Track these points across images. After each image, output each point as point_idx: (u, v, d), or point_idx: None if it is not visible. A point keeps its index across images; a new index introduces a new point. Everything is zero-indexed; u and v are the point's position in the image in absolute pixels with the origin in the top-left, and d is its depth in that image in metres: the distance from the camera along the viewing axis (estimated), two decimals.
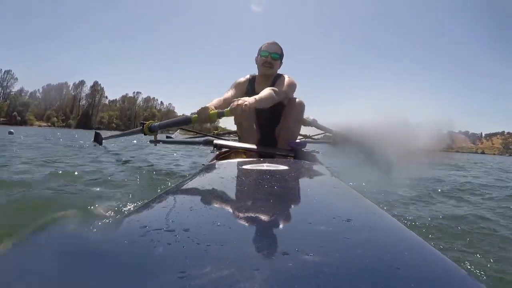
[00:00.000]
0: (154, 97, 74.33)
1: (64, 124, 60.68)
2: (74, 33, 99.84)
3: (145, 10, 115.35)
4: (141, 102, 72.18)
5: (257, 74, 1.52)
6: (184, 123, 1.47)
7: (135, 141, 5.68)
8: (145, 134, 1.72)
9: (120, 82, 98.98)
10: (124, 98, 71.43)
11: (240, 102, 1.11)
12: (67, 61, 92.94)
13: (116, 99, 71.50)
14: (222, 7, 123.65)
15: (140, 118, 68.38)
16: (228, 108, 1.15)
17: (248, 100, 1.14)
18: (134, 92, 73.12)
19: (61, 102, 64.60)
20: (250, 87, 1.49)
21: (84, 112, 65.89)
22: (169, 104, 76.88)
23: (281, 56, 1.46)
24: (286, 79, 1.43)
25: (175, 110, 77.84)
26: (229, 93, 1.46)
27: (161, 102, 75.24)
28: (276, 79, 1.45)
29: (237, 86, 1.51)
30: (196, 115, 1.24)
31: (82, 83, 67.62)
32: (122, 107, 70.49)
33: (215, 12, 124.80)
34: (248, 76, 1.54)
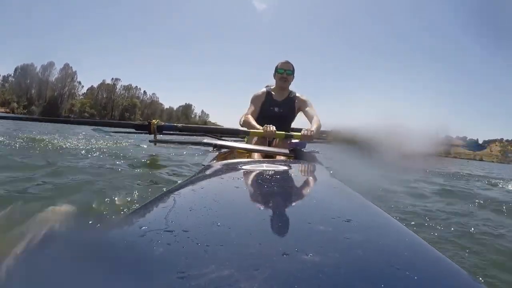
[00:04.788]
0: (136, 86, 72.01)
1: (25, 111, 57.05)
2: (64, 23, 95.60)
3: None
4: (121, 90, 69.73)
5: (272, 86, 1.96)
6: (234, 133, 1.65)
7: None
8: (150, 134, 1.66)
9: (99, 70, 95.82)
10: (101, 85, 68.57)
11: (307, 132, 1.51)
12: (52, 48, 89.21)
13: (92, 86, 68.67)
14: (220, 2, 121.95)
15: (119, 108, 66.27)
16: (301, 133, 1.50)
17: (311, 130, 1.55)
18: (112, 79, 70.44)
19: (26, 86, 61.13)
20: (268, 98, 1.89)
21: (51, 99, 62.11)
22: (153, 94, 74.93)
23: (293, 71, 1.91)
24: (308, 100, 1.87)
25: (160, 101, 76.09)
26: (252, 108, 1.85)
27: (144, 92, 73.00)
28: (292, 95, 1.91)
29: (256, 99, 1.88)
30: (262, 131, 1.52)
31: (51, 65, 64.11)
32: (98, 95, 67.66)
33: (211, 7, 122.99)
34: (264, 89, 1.93)
